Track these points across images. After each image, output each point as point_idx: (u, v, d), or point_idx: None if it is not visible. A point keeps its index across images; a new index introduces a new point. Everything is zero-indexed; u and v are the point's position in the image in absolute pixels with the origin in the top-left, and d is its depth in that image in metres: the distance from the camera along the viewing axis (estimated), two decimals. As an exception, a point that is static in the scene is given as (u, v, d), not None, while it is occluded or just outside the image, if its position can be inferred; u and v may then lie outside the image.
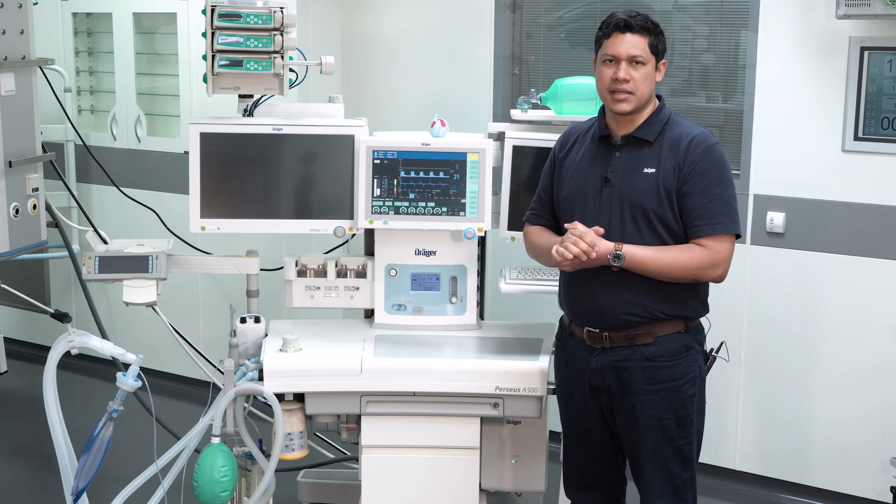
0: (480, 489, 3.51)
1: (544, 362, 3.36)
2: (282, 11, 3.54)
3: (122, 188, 4.80)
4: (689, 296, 3.00)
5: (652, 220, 2.95)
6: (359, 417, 3.45)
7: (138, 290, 3.55)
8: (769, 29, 4.13)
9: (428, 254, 3.66)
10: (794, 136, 4.13)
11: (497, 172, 3.66)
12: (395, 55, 4.97)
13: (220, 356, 3.62)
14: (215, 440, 3.36)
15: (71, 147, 5.45)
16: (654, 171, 2.96)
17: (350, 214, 3.64)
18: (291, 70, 3.66)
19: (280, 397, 3.37)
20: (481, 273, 3.76)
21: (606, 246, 2.91)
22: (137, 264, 3.55)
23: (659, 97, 3.07)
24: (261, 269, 3.71)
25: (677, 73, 4.45)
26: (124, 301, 3.55)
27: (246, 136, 3.62)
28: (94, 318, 4.46)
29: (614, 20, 2.97)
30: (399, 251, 3.66)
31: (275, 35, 3.54)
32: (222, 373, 3.39)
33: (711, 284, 3.05)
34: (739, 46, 4.29)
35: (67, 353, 3.38)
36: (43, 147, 3.76)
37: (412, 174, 3.59)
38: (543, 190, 3.21)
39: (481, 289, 3.77)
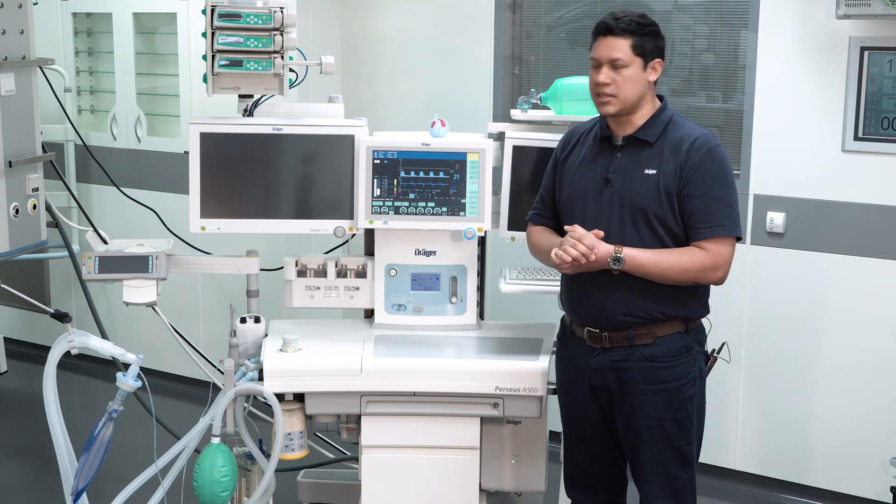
0: (480, 489, 3.51)
1: (544, 362, 3.36)
2: (282, 11, 3.54)
3: (122, 188, 4.80)
4: (689, 297, 3.00)
5: (652, 221, 2.95)
6: (359, 417, 3.45)
7: (138, 290, 3.55)
8: (769, 29, 4.13)
9: (428, 254, 3.66)
10: (794, 136, 4.13)
11: (497, 172, 3.66)
12: (395, 55, 4.97)
13: (220, 356, 3.62)
14: (215, 440, 3.36)
15: (71, 147, 5.45)
16: (654, 172, 2.95)
17: (350, 214, 3.64)
18: (291, 70, 3.66)
19: (280, 397, 3.37)
20: (481, 273, 3.76)
21: (606, 249, 2.90)
22: (137, 264, 3.55)
23: (661, 98, 3.06)
24: (261, 269, 3.71)
25: (677, 73, 4.45)
26: (124, 301, 3.55)
27: (246, 136, 3.62)
28: (94, 318, 4.46)
29: (597, 24, 2.99)
30: (399, 251, 3.66)
31: (275, 35, 3.54)
32: (222, 373, 3.39)
33: (711, 285, 3.05)
34: (739, 46, 4.29)
35: (67, 353, 3.38)
36: (43, 147, 3.76)
37: (412, 174, 3.59)
38: (545, 190, 3.21)
39: (481, 289, 3.77)
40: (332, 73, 3.69)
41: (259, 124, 3.63)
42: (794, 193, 4.15)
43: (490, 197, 3.57)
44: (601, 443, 3.14)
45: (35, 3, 3.72)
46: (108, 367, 4.42)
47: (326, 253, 3.98)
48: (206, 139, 3.60)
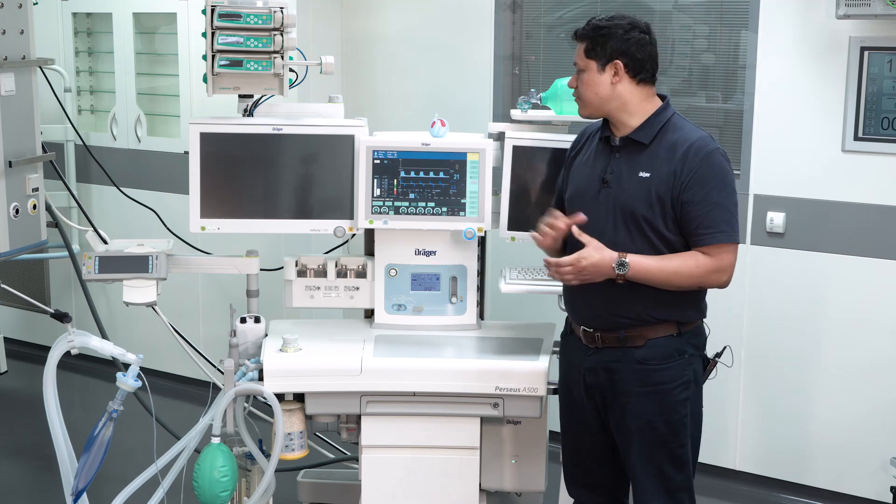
0: (480, 489, 3.51)
1: (544, 362, 3.36)
2: (282, 11, 3.54)
3: (122, 188, 4.80)
4: (681, 300, 2.97)
5: (642, 225, 2.94)
6: (359, 417, 3.45)
7: (138, 290, 3.54)
8: (769, 29, 4.13)
9: (428, 254, 3.65)
10: (794, 136, 4.13)
11: (497, 172, 3.66)
12: (395, 55, 4.97)
13: (220, 356, 3.62)
14: (215, 440, 3.36)
15: (71, 147, 5.45)
16: (648, 176, 2.94)
17: (350, 214, 3.64)
18: (291, 70, 3.66)
19: (280, 397, 3.37)
20: (481, 273, 3.76)
21: (611, 255, 2.90)
22: (137, 264, 3.55)
23: (663, 97, 3.05)
24: (261, 269, 3.71)
25: (677, 73, 4.45)
26: (124, 301, 3.55)
27: (246, 136, 3.62)
28: (94, 318, 4.46)
29: None
30: (399, 251, 3.66)
31: (275, 35, 3.54)
32: (222, 373, 3.39)
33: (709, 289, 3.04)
34: (739, 46, 4.29)
35: (67, 353, 3.38)
36: (43, 147, 3.76)
37: (412, 174, 3.58)
38: (559, 188, 3.24)
39: (481, 289, 3.77)
40: (332, 73, 3.69)
41: (259, 124, 3.63)
42: (794, 193, 4.15)
43: (490, 197, 3.57)
44: (599, 442, 3.14)
45: (35, 3, 3.72)
46: (108, 367, 4.42)
47: (326, 253, 3.98)
48: (206, 139, 3.60)
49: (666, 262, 2.91)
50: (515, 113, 3.77)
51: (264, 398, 3.34)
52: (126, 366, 3.38)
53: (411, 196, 3.59)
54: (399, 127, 4.25)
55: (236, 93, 3.64)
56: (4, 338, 5.72)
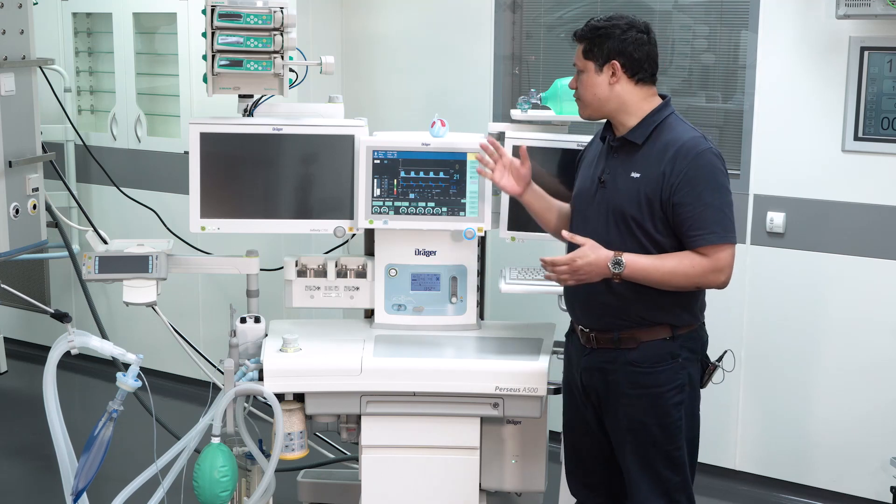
0: (480, 489, 3.51)
1: (544, 362, 3.36)
2: (282, 11, 3.54)
3: (122, 188, 4.80)
4: (674, 303, 2.96)
5: (631, 225, 2.94)
6: (359, 417, 3.45)
7: (138, 290, 3.54)
8: (769, 29, 4.13)
9: (428, 254, 3.65)
10: (794, 136, 4.13)
11: (497, 172, 3.66)
12: (395, 55, 4.97)
13: (220, 356, 3.62)
14: (215, 440, 3.36)
15: (71, 147, 5.45)
16: (639, 176, 2.94)
17: (350, 214, 3.64)
18: (291, 70, 3.66)
19: (280, 397, 3.37)
20: (481, 273, 3.76)
21: (606, 254, 2.89)
22: (137, 264, 3.55)
23: (663, 97, 3.04)
24: (261, 269, 3.71)
25: (677, 73, 4.45)
26: (124, 301, 3.55)
27: (246, 136, 3.62)
28: (94, 318, 4.46)
29: None
30: (399, 251, 3.66)
31: (275, 35, 3.54)
32: (222, 373, 3.39)
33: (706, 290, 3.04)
34: (739, 46, 4.29)
35: (67, 353, 3.38)
36: (43, 147, 3.75)
37: (412, 174, 3.58)
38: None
39: (481, 289, 3.77)
40: (332, 73, 3.68)
41: (259, 124, 3.63)
42: (794, 193, 4.15)
43: (490, 197, 3.57)
44: (599, 441, 3.14)
45: (35, 3, 3.72)
46: (108, 367, 4.42)
47: (326, 253, 3.98)
48: (206, 139, 3.60)
49: (662, 262, 2.91)
50: (515, 113, 3.77)
51: (264, 398, 3.34)
52: (126, 366, 3.38)
53: (411, 196, 3.59)
54: (399, 127, 4.24)
55: (236, 93, 3.64)
56: (4, 338, 5.72)
